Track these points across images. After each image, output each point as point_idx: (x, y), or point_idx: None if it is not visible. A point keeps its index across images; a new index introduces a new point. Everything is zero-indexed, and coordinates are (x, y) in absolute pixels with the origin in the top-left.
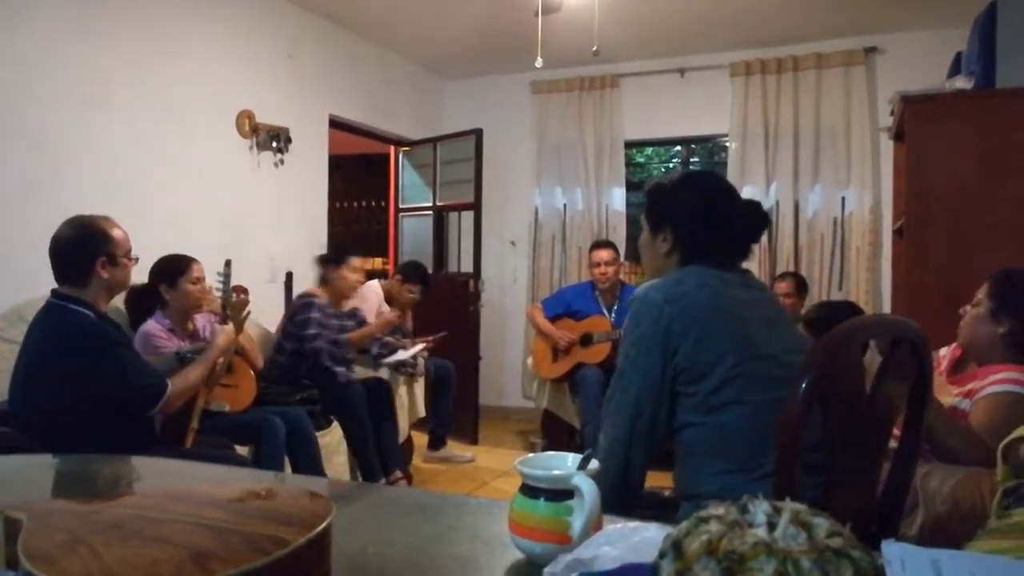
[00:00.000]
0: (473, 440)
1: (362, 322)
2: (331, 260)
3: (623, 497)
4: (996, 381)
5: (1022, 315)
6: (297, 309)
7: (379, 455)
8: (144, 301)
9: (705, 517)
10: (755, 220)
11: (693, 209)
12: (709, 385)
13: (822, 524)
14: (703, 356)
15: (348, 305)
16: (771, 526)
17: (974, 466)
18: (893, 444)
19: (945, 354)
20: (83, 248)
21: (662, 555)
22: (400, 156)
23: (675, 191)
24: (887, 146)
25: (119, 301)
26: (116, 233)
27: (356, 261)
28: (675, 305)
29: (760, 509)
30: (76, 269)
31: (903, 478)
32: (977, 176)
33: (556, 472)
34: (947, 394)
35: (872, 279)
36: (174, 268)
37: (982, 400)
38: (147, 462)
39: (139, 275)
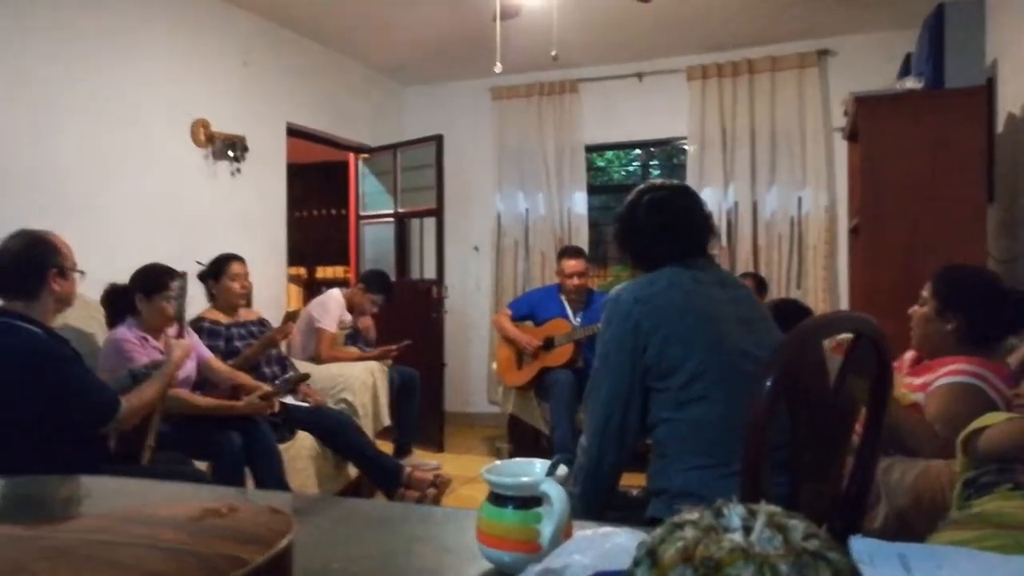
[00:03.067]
0: (439, 447)
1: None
2: (210, 275)
3: (598, 494)
4: (947, 372)
5: (967, 310)
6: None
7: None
8: (121, 301)
9: (680, 523)
10: (704, 229)
11: (649, 235)
12: (678, 380)
13: (798, 526)
14: (671, 352)
15: (321, 314)
16: (747, 530)
17: (933, 458)
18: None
19: (909, 357)
20: (34, 261)
21: (636, 563)
22: (360, 163)
23: (628, 220)
24: (841, 146)
25: (80, 309)
26: (63, 246)
27: (235, 267)
28: (645, 304)
29: (735, 513)
30: (27, 282)
31: (866, 473)
32: (929, 174)
33: (524, 479)
34: (903, 387)
35: (829, 277)
36: (152, 282)
37: (935, 391)
38: (100, 482)
39: (120, 276)
